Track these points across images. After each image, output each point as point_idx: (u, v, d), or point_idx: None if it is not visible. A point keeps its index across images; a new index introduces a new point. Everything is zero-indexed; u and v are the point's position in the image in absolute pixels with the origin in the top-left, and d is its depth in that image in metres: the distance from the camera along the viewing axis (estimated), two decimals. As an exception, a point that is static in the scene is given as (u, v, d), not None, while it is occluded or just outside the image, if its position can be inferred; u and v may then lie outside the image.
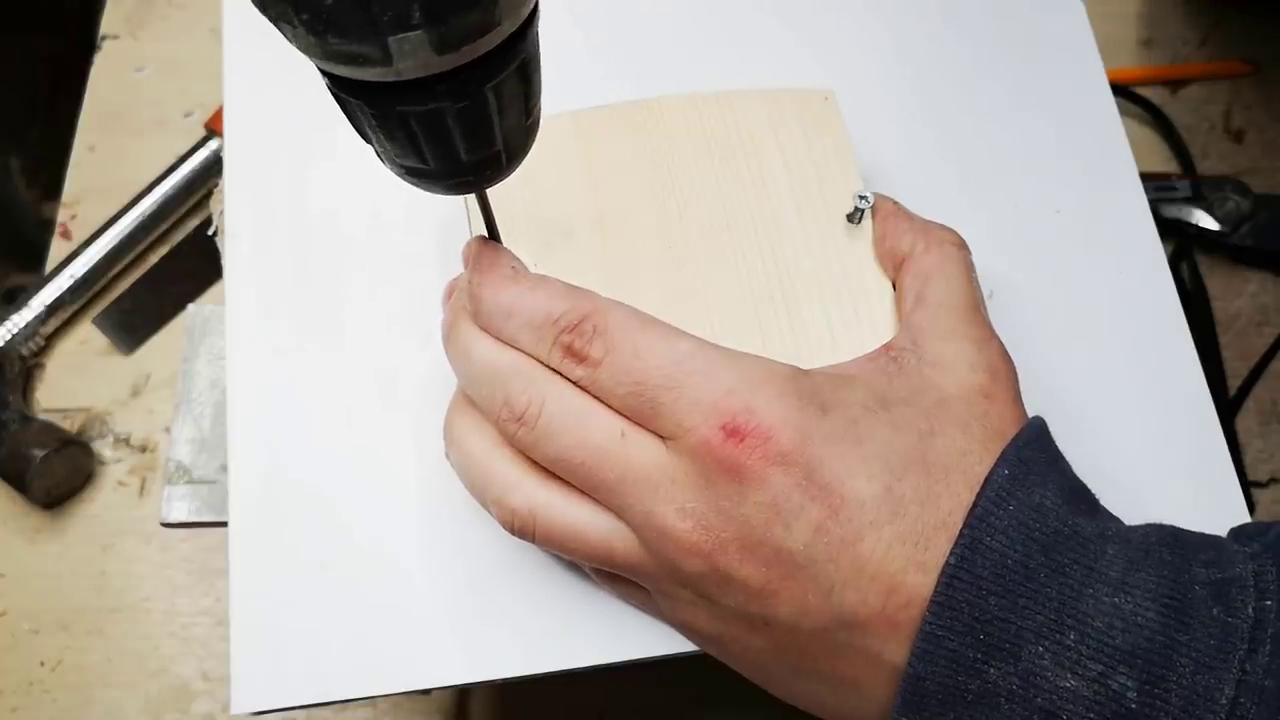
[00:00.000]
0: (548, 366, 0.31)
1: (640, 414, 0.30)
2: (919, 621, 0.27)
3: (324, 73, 0.24)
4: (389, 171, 0.28)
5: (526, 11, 0.24)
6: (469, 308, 0.32)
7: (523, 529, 0.31)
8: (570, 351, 0.30)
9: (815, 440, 0.28)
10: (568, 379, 0.30)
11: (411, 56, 0.23)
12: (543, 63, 0.27)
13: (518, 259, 0.33)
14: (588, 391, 0.30)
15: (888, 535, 0.28)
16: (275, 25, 0.22)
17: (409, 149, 0.26)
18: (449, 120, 0.25)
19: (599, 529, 0.31)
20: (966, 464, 0.29)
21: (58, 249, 0.61)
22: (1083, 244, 0.41)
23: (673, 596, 0.31)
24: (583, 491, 0.31)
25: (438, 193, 0.28)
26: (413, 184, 0.28)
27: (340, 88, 0.24)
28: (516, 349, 0.31)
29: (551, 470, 0.31)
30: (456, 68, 0.24)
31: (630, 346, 0.29)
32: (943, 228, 0.35)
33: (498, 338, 0.31)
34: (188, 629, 0.54)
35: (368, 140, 0.27)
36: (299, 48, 0.23)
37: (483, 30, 0.23)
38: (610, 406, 0.30)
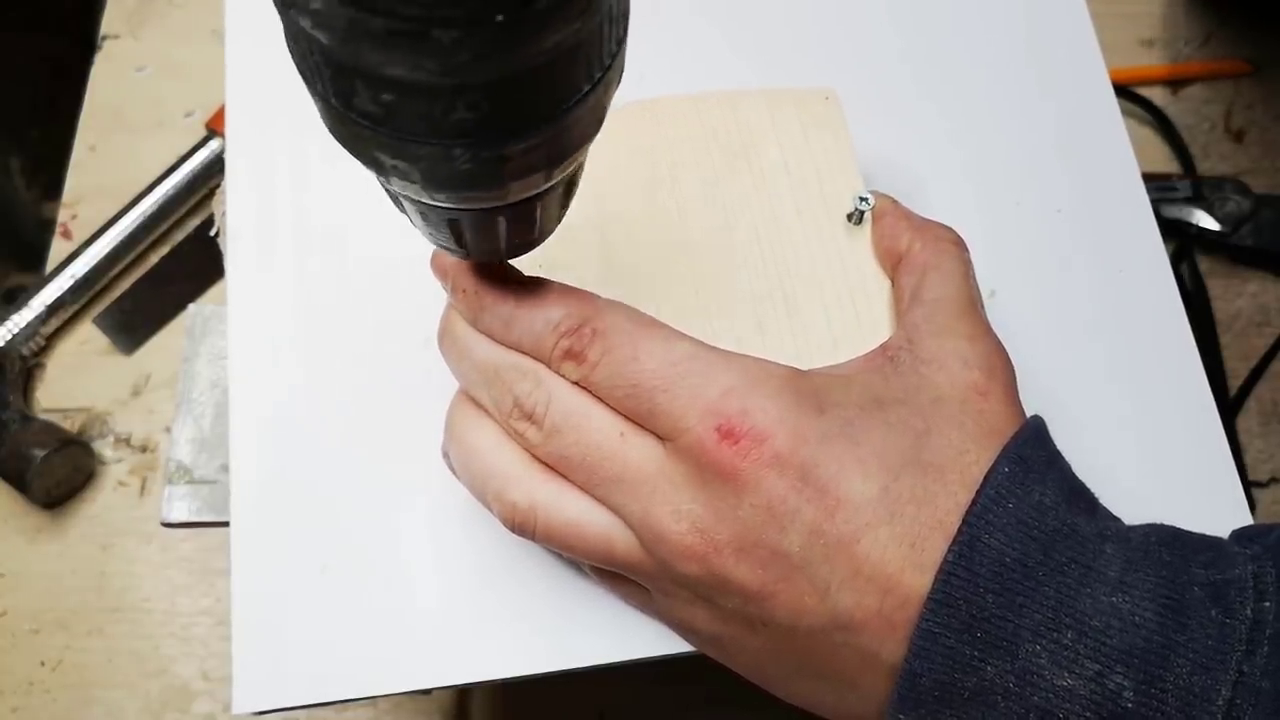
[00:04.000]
0: (547, 366, 0.31)
1: (638, 415, 0.30)
2: (916, 620, 0.27)
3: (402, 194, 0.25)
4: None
5: None
6: (465, 315, 0.32)
7: (523, 524, 0.31)
8: (569, 354, 0.30)
9: (811, 441, 0.28)
10: (566, 379, 0.31)
11: (526, 189, 0.24)
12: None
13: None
14: (587, 391, 0.30)
15: (884, 536, 0.28)
16: (380, 176, 0.23)
17: (486, 240, 0.27)
18: (537, 213, 0.26)
19: (599, 526, 0.31)
20: (963, 463, 0.29)
21: (58, 249, 0.61)
22: (1084, 244, 0.41)
23: (671, 596, 0.31)
24: (584, 489, 0.31)
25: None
26: (460, 257, 0.29)
27: (424, 207, 0.25)
28: (517, 350, 0.31)
29: (554, 468, 0.31)
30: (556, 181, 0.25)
31: (628, 348, 0.30)
32: (940, 226, 0.35)
33: (498, 341, 0.32)
34: (188, 629, 0.54)
35: (425, 234, 0.28)
36: (397, 190, 0.24)
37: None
38: (610, 407, 0.30)
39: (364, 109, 0.20)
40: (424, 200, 0.24)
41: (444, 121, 0.20)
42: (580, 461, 0.30)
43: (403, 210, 0.27)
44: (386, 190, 0.26)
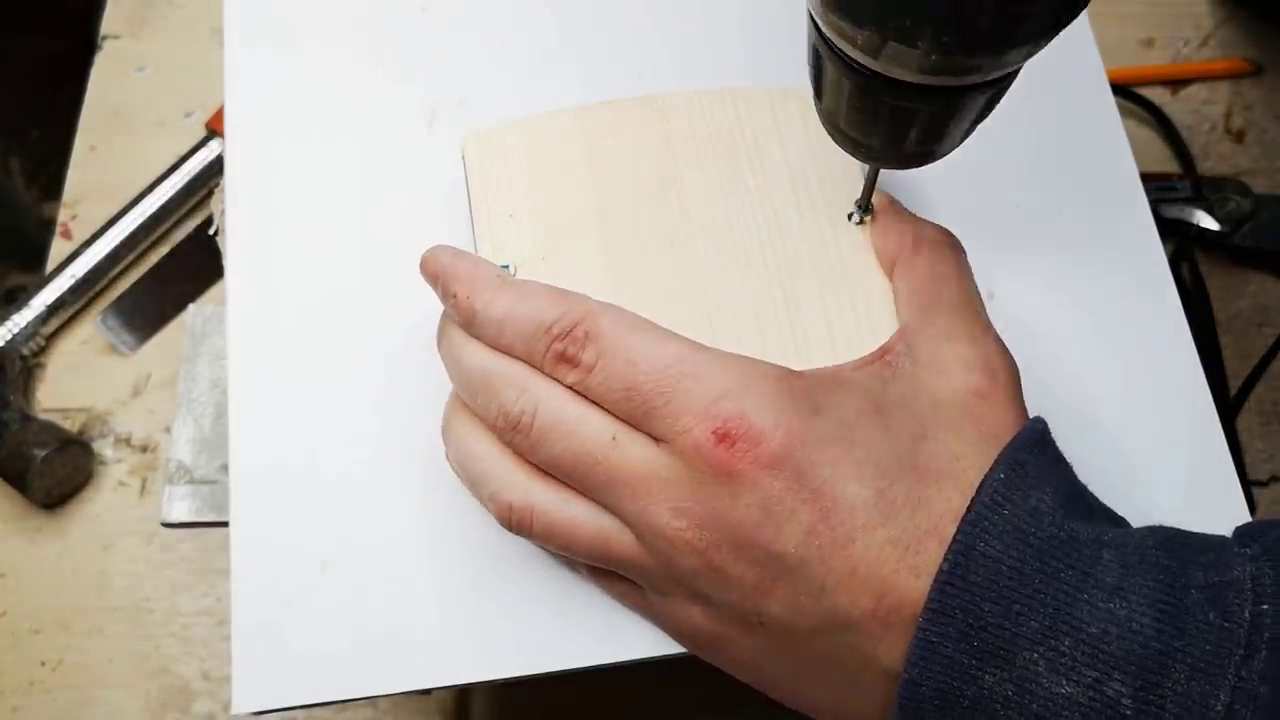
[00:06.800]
0: (540, 370, 0.31)
1: (633, 417, 0.30)
2: (911, 624, 0.28)
3: (879, 80, 0.27)
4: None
5: None
6: (457, 320, 0.32)
7: (520, 524, 0.31)
8: (563, 358, 0.30)
9: (807, 444, 0.29)
10: (561, 383, 0.31)
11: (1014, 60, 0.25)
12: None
13: (494, 265, 0.33)
14: (581, 395, 0.30)
15: (879, 538, 0.28)
16: (884, 38, 0.24)
17: (946, 136, 0.28)
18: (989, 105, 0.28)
19: (595, 524, 0.31)
20: (959, 468, 0.29)
21: (58, 249, 0.61)
22: (1084, 244, 0.41)
23: (669, 593, 0.31)
24: (579, 491, 0.31)
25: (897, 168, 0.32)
26: (880, 162, 0.31)
27: (903, 94, 0.26)
28: (508, 355, 0.31)
29: (548, 472, 0.31)
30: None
31: (622, 352, 0.30)
32: (934, 228, 0.35)
33: (490, 345, 0.31)
34: (188, 629, 0.54)
35: (876, 133, 0.29)
36: (892, 64, 0.25)
37: None
38: (603, 408, 0.30)
39: None
40: (914, 80, 0.25)
41: None
42: (573, 467, 0.30)
43: (881, 132, 0.29)
44: (865, 109, 0.27)
